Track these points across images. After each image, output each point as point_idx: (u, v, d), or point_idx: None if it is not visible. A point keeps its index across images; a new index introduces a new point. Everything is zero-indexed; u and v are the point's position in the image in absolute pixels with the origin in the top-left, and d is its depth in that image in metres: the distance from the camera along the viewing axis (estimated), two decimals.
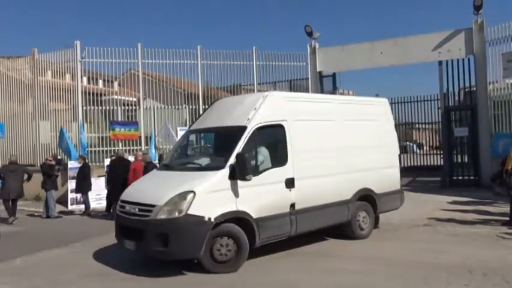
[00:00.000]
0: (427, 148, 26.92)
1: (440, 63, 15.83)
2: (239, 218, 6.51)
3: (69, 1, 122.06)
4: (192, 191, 6.22)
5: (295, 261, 7.01)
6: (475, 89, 15.53)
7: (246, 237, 6.54)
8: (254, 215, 6.59)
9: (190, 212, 6.13)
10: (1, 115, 16.94)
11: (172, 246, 6.12)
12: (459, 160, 16.05)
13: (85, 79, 16.88)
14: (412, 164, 22.95)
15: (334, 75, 17.40)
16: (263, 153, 7.01)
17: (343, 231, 8.26)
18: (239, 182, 6.47)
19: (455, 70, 15.79)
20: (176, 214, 6.15)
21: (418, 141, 29.58)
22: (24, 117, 16.81)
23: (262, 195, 6.74)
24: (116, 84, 18.61)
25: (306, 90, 17.46)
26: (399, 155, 9.51)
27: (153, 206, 6.31)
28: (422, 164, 22.55)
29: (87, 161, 13.24)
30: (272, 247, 7.53)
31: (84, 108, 15.75)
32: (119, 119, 16.02)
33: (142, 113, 16.21)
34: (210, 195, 6.31)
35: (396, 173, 9.19)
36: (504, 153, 11.34)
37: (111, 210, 11.46)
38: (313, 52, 17.57)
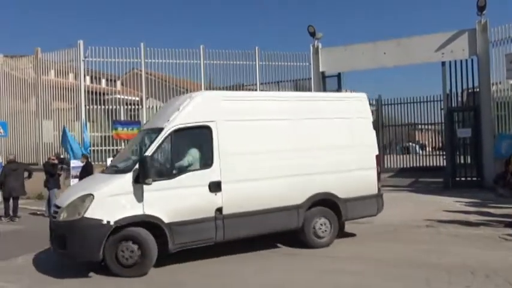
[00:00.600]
0: (430, 149, 26.84)
1: (443, 63, 15.80)
2: (147, 222, 6.34)
3: (71, 1, 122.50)
4: (91, 194, 6.23)
5: (290, 260, 6.99)
6: (478, 89, 15.49)
7: (156, 241, 6.35)
8: (166, 220, 6.36)
9: (87, 215, 6.13)
10: (4, 114, 17.01)
11: (69, 248, 6.22)
12: (462, 161, 16.00)
13: (88, 78, 16.94)
14: (415, 165, 22.89)
15: (339, 75, 17.32)
16: (182, 156, 6.76)
17: (298, 238, 7.64)
18: (149, 186, 6.27)
19: (458, 71, 15.77)
20: (76, 216, 6.19)
21: (421, 142, 29.50)
22: (27, 116, 16.89)
23: (178, 199, 6.48)
24: (118, 83, 18.67)
25: (309, 90, 17.46)
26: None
27: (60, 208, 6.49)
28: (424, 164, 22.48)
29: (89, 160, 13.26)
30: (268, 246, 7.56)
31: (87, 107, 15.80)
32: (122, 119, 16.06)
33: (145, 113, 16.23)
34: (111, 198, 6.23)
35: (372, 175, 8.19)
36: (507, 154, 11.34)
37: None
38: (316, 52, 17.56)
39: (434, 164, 22.14)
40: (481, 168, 15.14)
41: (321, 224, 7.66)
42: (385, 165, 23.29)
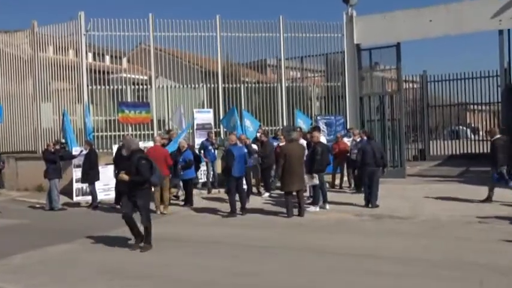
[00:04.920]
0: (483, 133, 26.33)
1: (501, 32, 15.37)
2: None
3: None
4: None
5: (330, 261, 7.03)
6: None
7: None
8: None
9: None
10: None
11: None
12: None
13: (90, 55, 17.12)
14: (466, 152, 22.52)
15: (398, 45, 16.49)
16: None
17: None
18: None
19: None
20: None
21: (473, 124, 28.96)
22: (23, 98, 17.19)
23: None
24: (124, 60, 18.82)
25: (342, 65, 17.29)
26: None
27: None
28: (477, 151, 22.09)
29: (93, 147, 13.44)
30: (303, 245, 7.59)
31: (90, 87, 15.99)
32: (129, 100, 16.21)
33: (155, 93, 16.37)
34: None
35: None
36: None
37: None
38: (349, 21, 17.28)
39: (489, 151, 21.72)
40: None
41: None
42: (431, 153, 23.08)
